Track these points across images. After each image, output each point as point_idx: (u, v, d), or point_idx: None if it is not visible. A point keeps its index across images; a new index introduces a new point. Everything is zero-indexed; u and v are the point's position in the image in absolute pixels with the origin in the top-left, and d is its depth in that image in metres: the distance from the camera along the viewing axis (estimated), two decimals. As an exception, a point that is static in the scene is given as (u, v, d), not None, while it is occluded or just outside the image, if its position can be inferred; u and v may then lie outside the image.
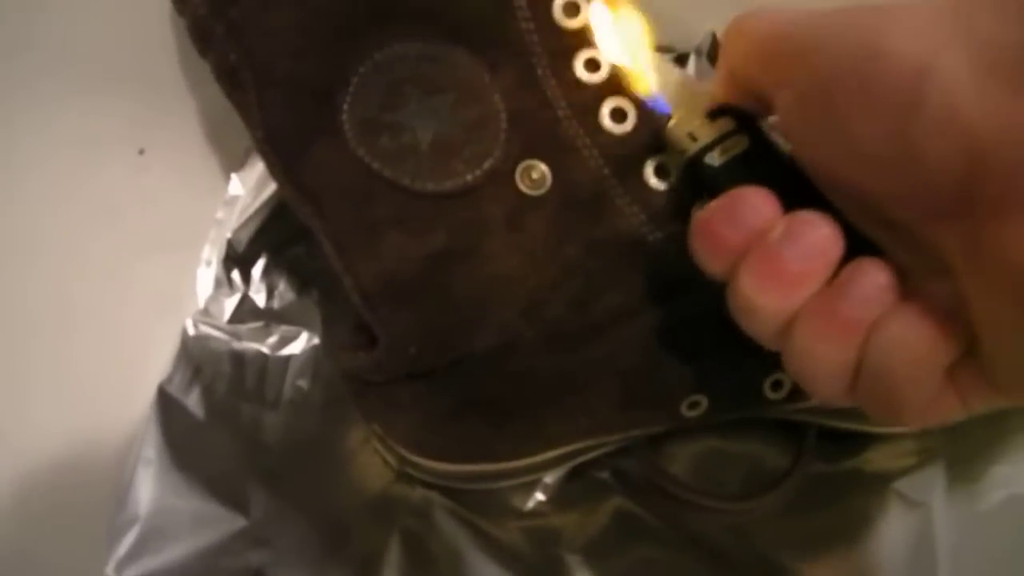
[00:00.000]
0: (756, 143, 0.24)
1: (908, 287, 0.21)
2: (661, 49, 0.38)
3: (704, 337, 0.27)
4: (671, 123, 0.25)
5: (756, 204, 0.22)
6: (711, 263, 0.23)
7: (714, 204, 0.23)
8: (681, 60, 0.39)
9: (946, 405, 0.21)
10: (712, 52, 0.38)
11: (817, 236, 0.21)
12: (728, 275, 0.22)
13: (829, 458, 0.33)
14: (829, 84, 0.21)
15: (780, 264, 0.21)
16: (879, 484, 0.33)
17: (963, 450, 0.32)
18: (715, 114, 0.24)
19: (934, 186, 0.19)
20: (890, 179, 0.20)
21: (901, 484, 0.32)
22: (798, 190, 0.22)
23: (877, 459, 0.33)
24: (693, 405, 0.29)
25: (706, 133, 0.24)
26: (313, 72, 0.26)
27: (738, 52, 0.24)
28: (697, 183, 0.25)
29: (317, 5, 0.26)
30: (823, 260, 0.21)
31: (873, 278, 0.21)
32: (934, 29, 0.19)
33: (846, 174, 0.21)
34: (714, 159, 0.24)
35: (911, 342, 0.21)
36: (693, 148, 0.24)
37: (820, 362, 0.22)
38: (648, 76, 0.26)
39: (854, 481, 0.33)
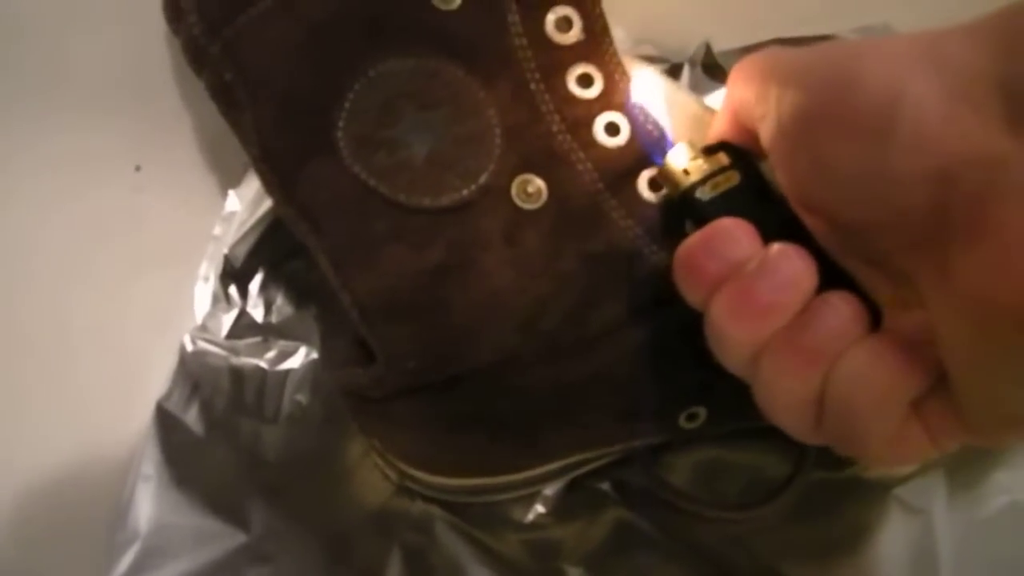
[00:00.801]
0: (747, 179, 0.25)
1: (885, 320, 0.22)
2: (654, 60, 0.39)
3: (700, 348, 0.27)
4: (667, 157, 0.26)
5: (735, 236, 0.23)
6: (691, 292, 0.24)
7: (695, 235, 0.23)
8: (675, 71, 0.39)
9: (913, 441, 0.22)
10: (706, 63, 0.38)
11: (790, 269, 0.22)
12: (706, 304, 0.23)
13: (829, 465, 0.33)
14: (807, 113, 0.21)
15: (751, 295, 0.22)
16: (879, 491, 0.32)
17: (964, 457, 0.32)
18: (712, 150, 0.26)
19: (907, 213, 0.20)
20: (866, 206, 0.21)
21: (901, 491, 0.32)
22: (784, 225, 0.23)
23: (877, 466, 0.33)
24: (691, 416, 0.29)
25: (700, 168, 0.25)
26: (308, 89, 0.26)
27: (737, 90, 0.25)
28: (688, 215, 0.26)
29: (311, 23, 0.26)
30: (794, 293, 0.22)
31: (837, 311, 0.22)
32: (906, 58, 0.20)
33: (826, 204, 0.22)
34: (705, 193, 0.25)
35: (873, 375, 0.21)
36: (685, 183, 0.25)
37: (784, 394, 0.22)
38: (662, 109, 0.27)
39: (854, 489, 0.33)
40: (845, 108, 0.20)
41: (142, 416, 0.35)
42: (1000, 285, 0.18)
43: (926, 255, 0.20)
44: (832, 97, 0.21)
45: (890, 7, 0.38)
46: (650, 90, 0.28)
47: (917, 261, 0.20)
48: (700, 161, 0.25)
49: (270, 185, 0.27)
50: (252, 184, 0.37)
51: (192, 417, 0.35)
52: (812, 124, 0.21)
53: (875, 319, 0.22)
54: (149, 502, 0.32)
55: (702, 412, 0.29)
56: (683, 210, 0.26)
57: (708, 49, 0.38)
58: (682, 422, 0.29)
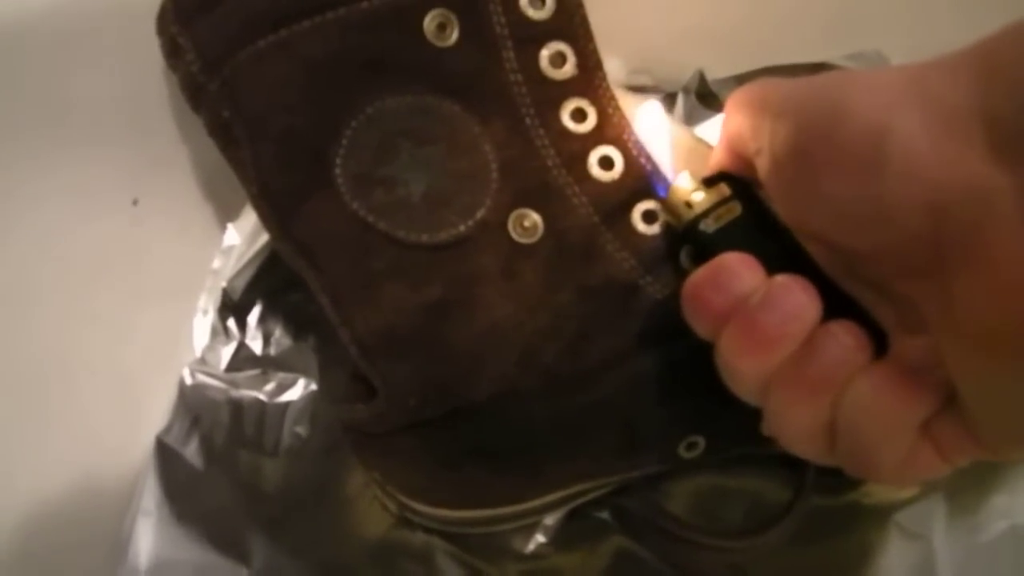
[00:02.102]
0: (749, 210, 0.25)
1: (893, 343, 0.22)
2: (648, 89, 0.39)
3: (698, 378, 0.27)
4: (669, 191, 0.26)
5: (738, 271, 0.23)
6: (699, 326, 0.24)
7: (701, 270, 0.24)
8: (669, 100, 0.39)
9: (925, 461, 0.22)
10: (700, 92, 0.39)
11: (792, 302, 0.22)
12: (715, 337, 0.23)
13: (828, 492, 0.33)
14: (798, 147, 0.22)
15: (756, 329, 0.22)
16: (879, 517, 0.32)
17: (963, 481, 0.32)
18: (712, 180, 0.26)
19: (904, 243, 0.20)
20: (864, 237, 0.21)
21: (901, 516, 0.32)
22: (787, 254, 0.24)
23: (877, 492, 0.33)
24: (691, 446, 0.29)
25: (701, 201, 0.26)
26: (306, 127, 0.26)
27: (732, 123, 0.25)
28: (693, 248, 0.26)
29: (309, 61, 0.26)
30: (798, 325, 0.22)
31: (841, 341, 0.22)
32: (891, 91, 0.20)
33: (825, 234, 0.22)
34: (708, 226, 0.25)
35: (879, 402, 0.21)
36: (689, 216, 0.26)
37: (794, 423, 0.23)
38: (655, 142, 0.27)
39: (854, 514, 0.33)
40: (835, 142, 0.21)
41: (142, 450, 0.34)
42: (997, 313, 0.18)
43: (927, 282, 0.20)
44: (822, 132, 0.21)
45: (882, 34, 0.38)
46: (643, 123, 0.28)
47: (918, 288, 0.20)
48: (702, 193, 0.26)
49: (269, 222, 0.28)
50: (250, 217, 0.37)
51: (192, 451, 0.35)
52: (804, 158, 0.22)
53: (882, 343, 0.23)
54: (149, 537, 0.32)
55: (701, 441, 0.29)
56: (687, 243, 0.26)
57: (702, 78, 0.38)
58: (681, 452, 0.29)
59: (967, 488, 0.32)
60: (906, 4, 0.38)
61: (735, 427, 0.30)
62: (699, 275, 0.24)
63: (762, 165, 0.23)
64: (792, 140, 0.22)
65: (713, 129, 0.26)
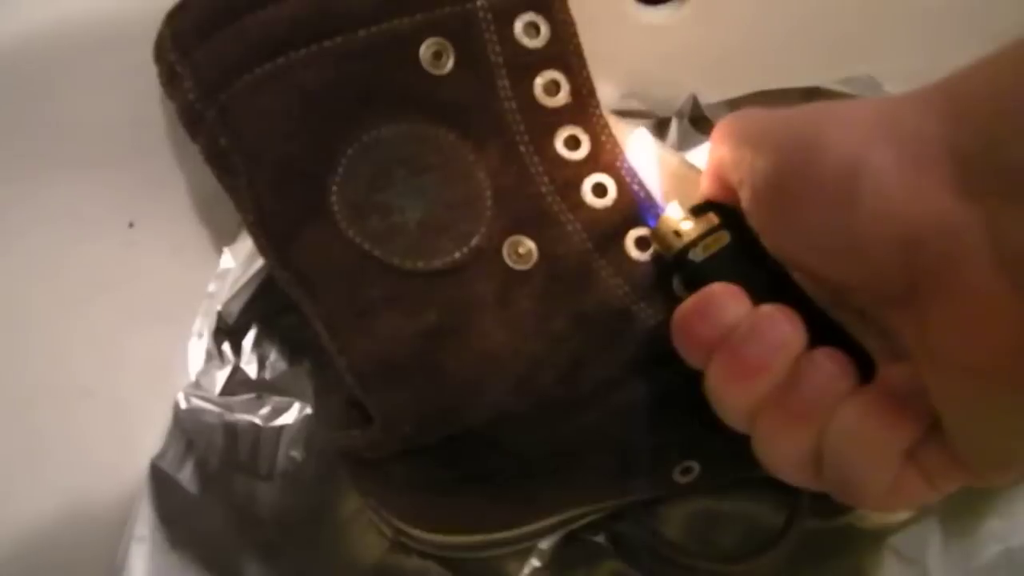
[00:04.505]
0: (737, 238, 0.25)
1: (879, 370, 0.23)
2: (642, 114, 0.39)
3: (692, 404, 0.27)
4: (658, 220, 0.27)
5: (724, 302, 0.24)
6: (689, 356, 0.24)
7: (688, 301, 0.24)
8: (662, 125, 0.39)
9: (911, 488, 0.22)
10: (694, 116, 0.39)
11: (777, 333, 0.23)
12: (704, 366, 0.24)
13: (823, 515, 0.33)
14: (777, 180, 0.22)
15: (742, 359, 0.23)
16: (874, 541, 0.33)
17: (957, 505, 0.32)
18: (701, 209, 0.26)
19: (879, 274, 0.20)
20: (840, 269, 0.21)
21: (896, 540, 0.32)
22: (775, 282, 0.24)
23: (871, 516, 0.33)
24: (686, 471, 0.29)
25: (690, 230, 0.26)
26: (302, 155, 0.27)
27: (716, 151, 0.25)
28: (682, 277, 0.27)
29: (306, 89, 0.26)
30: (782, 355, 0.23)
31: (825, 369, 0.22)
32: (864, 126, 0.21)
33: (805, 265, 0.23)
34: (697, 255, 0.26)
35: (864, 428, 0.22)
36: (678, 245, 0.26)
37: (781, 450, 0.23)
38: (647, 169, 0.27)
39: (848, 538, 0.33)
40: (809, 177, 0.21)
41: (136, 474, 0.34)
42: (969, 343, 0.19)
43: (903, 312, 0.20)
44: (797, 166, 0.22)
45: (874, 59, 0.39)
46: (635, 151, 0.28)
47: (897, 318, 0.21)
48: (691, 222, 0.26)
49: (265, 250, 0.28)
50: (246, 241, 0.37)
51: (186, 476, 0.35)
52: (781, 191, 0.22)
53: (868, 370, 0.23)
54: (143, 564, 0.32)
55: (696, 467, 0.29)
56: (676, 272, 0.27)
57: (695, 102, 0.39)
58: (676, 477, 0.29)
59: (961, 512, 0.32)
60: (899, 29, 0.39)
61: (730, 452, 0.29)
62: (687, 306, 0.24)
63: (744, 196, 0.24)
64: (769, 173, 0.22)
65: (705, 155, 0.27)
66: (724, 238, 0.25)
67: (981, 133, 0.18)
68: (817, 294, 0.24)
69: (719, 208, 0.26)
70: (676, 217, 0.26)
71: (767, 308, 0.23)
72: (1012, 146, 0.18)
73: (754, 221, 0.24)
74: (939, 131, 0.19)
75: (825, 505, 0.33)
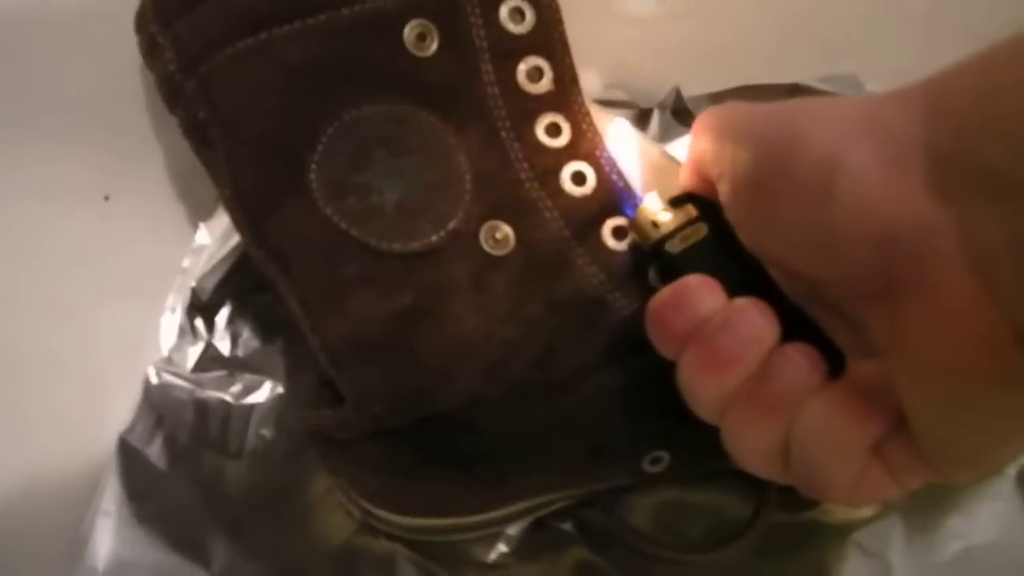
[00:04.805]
0: (714, 231, 0.26)
1: (849, 365, 0.23)
2: (624, 105, 0.39)
3: (663, 394, 0.27)
4: (636, 210, 0.27)
5: (699, 294, 0.24)
6: (662, 346, 0.25)
7: (663, 292, 0.24)
8: (644, 116, 0.39)
9: (876, 483, 0.22)
10: (676, 108, 0.39)
11: (750, 325, 0.23)
12: (676, 357, 0.24)
13: (789, 508, 0.33)
14: (756, 175, 0.22)
15: (714, 351, 0.23)
16: (838, 535, 0.33)
17: (920, 503, 0.33)
18: (679, 201, 0.26)
19: (854, 271, 0.20)
20: (816, 264, 0.22)
21: (860, 535, 0.33)
22: (750, 276, 0.24)
23: (836, 510, 0.33)
24: (655, 461, 0.29)
25: (668, 221, 0.26)
26: (282, 131, 0.26)
27: (697, 144, 0.25)
28: (658, 268, 0.27)
29: (288, 65, 0.26)
30: (754, 348, 0.23)
31: (794, 364, 0.23)
32: (844, 124, 0.21)
33: (781, 260, 0.23)
34: (674, 246, 0.26)
35: (830, 425, 0.22)
36: (655, 236, 0.26)
37: (750, 443, 0.23)
38: (627, 160, 0.28)
39: (814, 532, 0.33)
40: (788, 173, 0.21)
41: (104, 447, 0.34)
42: (938, 341, 0.19)
43: (876, 308, 0.21)
44: (776, 162, 0.22)
45: (857, 57, 0.39)
46: (616, 141, 0.28)
47: (870, 314, 0.21)
48: (669, 213, 0.26)
49: (241, 225, 0.27)
50: (222, 218, 0.37)
51: (155, 451, 0.34)
52: (760, 186, 0.22)
53: (839, 366, 0.23)
54: (108, 538, 0.32)
55: (665, 457, 0.29)
56: (653, 262, 0.27)
57: (678, 94, 0.39)
58: (646, 466, 0.30)
59: (924, 509, 0.33)
60: (882, 28, 0.39)
61: (700, 443, 0.30)
62: (661, 297, 0.24)
63: (723, 189, 0.24)
64: (749, 167, 0.22)
65: (686, 147, 0.27)
66: (701, 230, 0.26)
67: (958, 134, 0.19)
68: (792, 288, 0.24)
69: (697, 200, 0.26)
70: (654, 208, 0.26)
71: (741, 301, 0.23)
72: (987, 148, 0.18)
73: (732, 214, 0.24)
74: (918, 131, 0.19)
75: (791, 499, 0.33)
